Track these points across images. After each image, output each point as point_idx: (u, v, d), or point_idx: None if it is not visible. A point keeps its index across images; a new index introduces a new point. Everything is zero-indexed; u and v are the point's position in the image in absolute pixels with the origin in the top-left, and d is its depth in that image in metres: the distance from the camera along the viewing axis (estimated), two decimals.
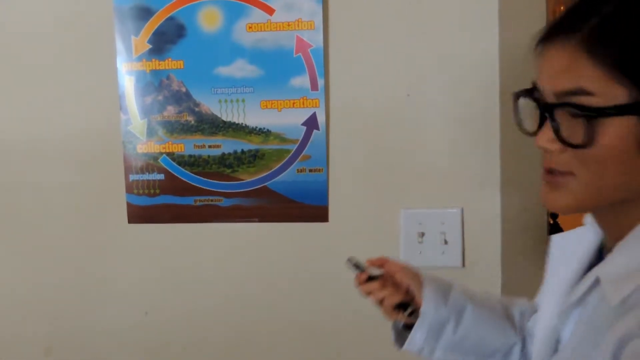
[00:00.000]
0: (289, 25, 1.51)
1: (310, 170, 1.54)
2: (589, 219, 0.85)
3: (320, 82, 1.52)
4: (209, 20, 1.54)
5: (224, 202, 1.58)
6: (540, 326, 0.87)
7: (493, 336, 1.04)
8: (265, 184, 1.56)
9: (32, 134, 1.64)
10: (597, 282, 0.74)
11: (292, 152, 1.54)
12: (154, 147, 1.59)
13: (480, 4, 1.47)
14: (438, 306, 1.03)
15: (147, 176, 1.60)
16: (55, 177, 1.64)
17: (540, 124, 0.72)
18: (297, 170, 1.55)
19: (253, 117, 1.55)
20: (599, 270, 0.74)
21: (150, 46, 1.56)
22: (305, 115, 1.53)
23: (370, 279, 1.11)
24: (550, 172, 0.74)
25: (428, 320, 1.03)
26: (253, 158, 1.56)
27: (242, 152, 1.56)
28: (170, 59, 1.56)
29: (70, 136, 1.62)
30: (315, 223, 1.56)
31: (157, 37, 1.55)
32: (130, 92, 1.58)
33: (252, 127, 1.55)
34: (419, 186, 1.53)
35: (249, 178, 1.56)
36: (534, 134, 0.74)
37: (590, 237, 0.84)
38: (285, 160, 1.55)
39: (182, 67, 1.55)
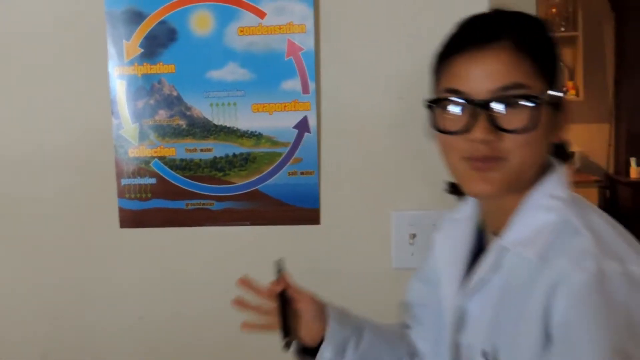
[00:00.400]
0: (280, 28, 1.52)
1: (302, 173, 1.55)
2: (461, 213, 1.01)
3: (312, 86, 1.52)
4: (200, 24, 1.54)
5: (215, 206, 1.58)
6: (443, 311, 0.97)
7: (388, 353, 1.13)
8: (256, 187, 1.56)
9: (23, 138, 1.64)
10: (504, 250, 0.86)
11: (284, 155, 1.54)
12: (146, 151, 1.59)
13: (470, 6, 1.48)
14: (342, 326, 1.11)
15: (138, 180, 1.60)
16: (47, 181, 1.64)
17: (473, 121, 0.82)
18: (289, 173, 1.55)
19: (244, 120, 1.55)
20: (502, 241, 0.87)
21: (142, 50, 1.56)
22: (296, 118, 1.53)
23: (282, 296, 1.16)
24: (479, 160, 0.84)
25: (334, 339, 1.10)
26: (244, 161, 1.56)
27: (234, 155, 1.56)
28: (161, 63, 1.56)
29: (62, 140, 1.62)
30: (307, 226, 1.56)
31: (149, 41, 1.56)
32: (122, 96, 1.58)
33: (244, 131, 1.55)
34: (410, 188, 1.53)
35: (241, 181, 1.57)
36: (462, 132, 0.84)
37: (467, 226, 0.98)
38: (277, 163, 1.55)
39: (173, 71, 1.56)
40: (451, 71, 0.87)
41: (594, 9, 3.93)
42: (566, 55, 4.13)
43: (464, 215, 0.99)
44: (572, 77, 4.08)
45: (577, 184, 3.78)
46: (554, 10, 3.94)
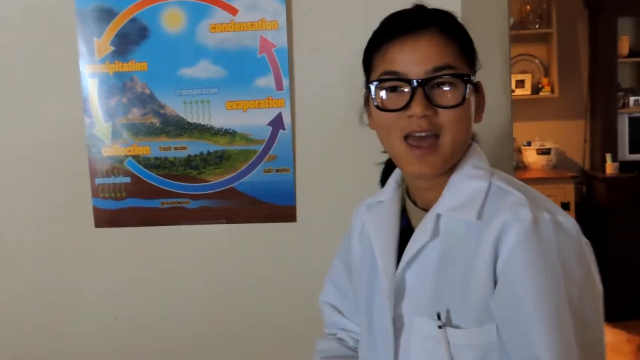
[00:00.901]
0: (252, 25, 1.51)
1: (277, 170, 1.54)
2: (383, 197, 1.05)
3: (285, 82, 1.52)
4: (172, 21, 1.53)
5: (191, 204, 1.57)
6: (378, 288, 1.01)
7: None
8: (232, 185, 1.55)
9: None
10: (439, 218, 0.94)
11: (259, 152, 1.54)
12: (119, 150, 1.57)
13: (445, 6, 1.48)
14: None
15: (112, 179, 1.58)
16: (19, 182, 1.62)
17: (411, 98, 0.89)
18: (264, 170, 1.54)
19: (218, 118, 1.54)
20: (438, 209, 0.94)
21: (113, 48, 1.55)
22: (270, 115, 1.53)
23: None
24: (418, 148, 0.91)
25: None
26: (219, 159, 1.55)
27: (208, 153, 1.55)
28: (133, 61, 1.54)
29: (33, 140, 1.60)
30: (284, 223, 1.55)
31: (120, 39, 1.54)
32: (94, 94, 1.56)
33: (218, 128, 1.54)
34: None
35: (216, 179, 1.56)
36: (402, 108, 0.90)
37: (393, 207, 1.03)
38: (252, 160, 1.54)
39: (145, 69, 1.54)
40: (387, 57, 0.93)
41: (567, 6, 3.95)
42: (541, 52, 4.15)
43: (387, 197, 1.05)
44: (547, 74, 4.10)
45: (554, 180, 3.80)
46: (528, 7, 3.96)
